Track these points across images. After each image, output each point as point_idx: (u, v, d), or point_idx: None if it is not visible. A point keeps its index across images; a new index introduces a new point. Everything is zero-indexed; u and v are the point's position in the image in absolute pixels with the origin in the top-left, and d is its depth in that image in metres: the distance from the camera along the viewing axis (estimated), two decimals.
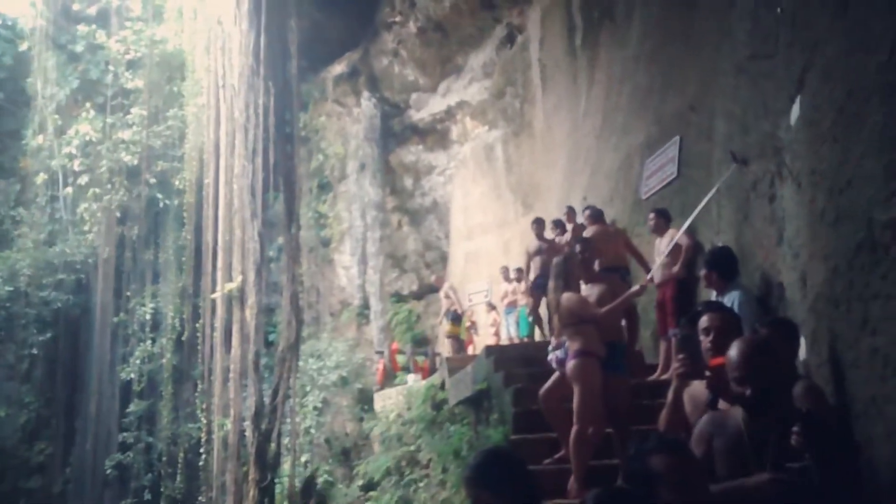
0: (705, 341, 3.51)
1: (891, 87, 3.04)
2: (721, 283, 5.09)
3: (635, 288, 6.02)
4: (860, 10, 3.43)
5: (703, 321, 3.55)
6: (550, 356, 6.24)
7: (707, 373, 3.38)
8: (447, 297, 15.84)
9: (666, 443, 2.57)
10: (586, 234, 8.72)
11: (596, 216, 9.02)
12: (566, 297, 6.02)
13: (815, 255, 3.78)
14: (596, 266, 8.13)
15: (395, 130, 20.65)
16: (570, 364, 5.80)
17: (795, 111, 4.23)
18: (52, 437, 21.46)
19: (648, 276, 6.48)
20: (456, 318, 15.47)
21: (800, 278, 4.07)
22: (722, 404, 3.27)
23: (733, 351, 2.90)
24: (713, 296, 5.11)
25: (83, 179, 21.10)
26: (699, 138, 7.96)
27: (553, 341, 6.32)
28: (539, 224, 11.03)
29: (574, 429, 5.61)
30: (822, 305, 3.64)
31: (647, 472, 2.47)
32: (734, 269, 5.17)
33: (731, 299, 4.83)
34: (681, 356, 3.49)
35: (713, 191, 6.37)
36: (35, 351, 21.26)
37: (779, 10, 4.74)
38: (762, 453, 2.82)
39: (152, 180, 21.41)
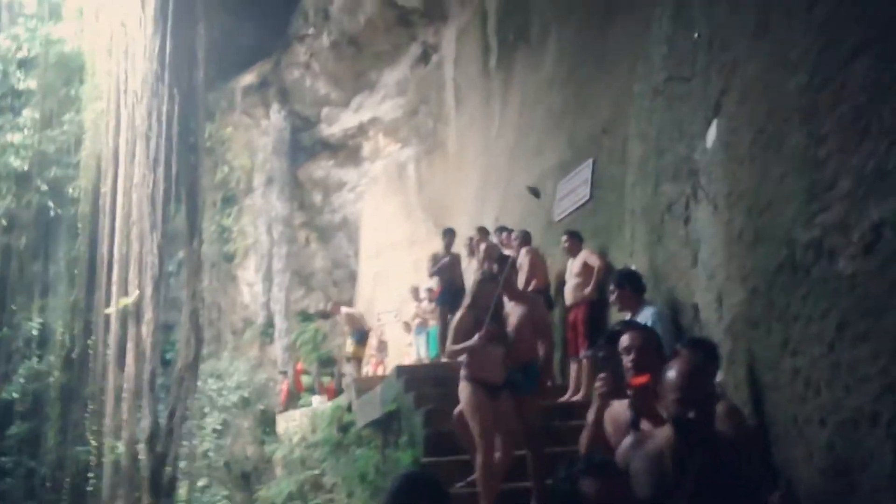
0: (626, 360, 3.44)
1: (811, 108, 3.06)
2: (633, 301, 5.10)
3: (473, 340, 5.59)
4: (780, 32, 3.46)
5: (624, 340, 3.48)
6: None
7: (629, 392, 3.30)
8: (348, 323, 15.49)
9: (596, 465, 2.48)
10: (520, 256, 8.70)
11: (526, 238, 9.02)
12: (457, 317, 5.96)
13: (731, 276, 3.78)
14: (531, 285, 8.16)
15: (304, 144, 20.27)
16: (459, 386, 5.75)
17: (712, 133, 4.25)
18: None
19: (484, 328, 5.65)
20: (361, 339, 15.10)
21: (716, 299, 4.07)
22: (644, 424, 3.20)
23: (673, 372, 2.78)
24: (628, 316, 5.10)
25: None
26: (612, 161, 8.05)
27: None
28: (450, 235, 10.96)
29: (479, 458, 5.47)
30: (740, 326, 3.63)
31: (576, 495, 2.39)
32: (642, 286, 5.21)
33: (645, 317, 4.82)
34: (602, 375, 3.40)
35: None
36: None
37: (696, 35, 4.79)
38: (685, 476, 2.73)
39: (44, 187, 20.18)
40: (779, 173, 3.26)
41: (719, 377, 3.80)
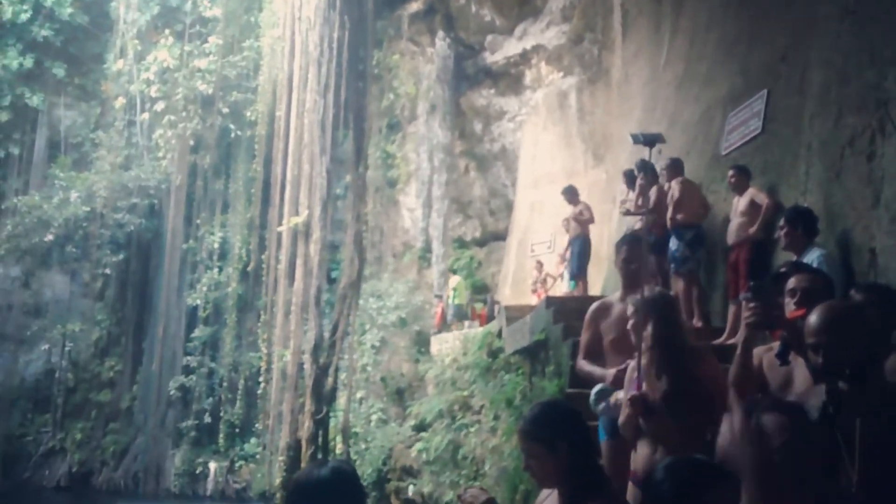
0: (790, 303, 3.24)
1: None
2: (802, 242, 4.77)
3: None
4: None
5: (791, 281, 3.26)
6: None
7: (784, 328, 3.11)
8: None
9: (781, 402, 2.34)
10: (671, 186, 8.35)
11: (676, 167, 8.63)
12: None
13: None
14: (679, 219, 7.74)
15: (467, 73, 20.24)
16: None
17: None
18: (121, 355, 22.41)
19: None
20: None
21: None
22: (799, 376, 3.02)
23: (814, 315, 2.58)
24: (793, 258, 4.79)
25: (160, 106, 21.46)
26: (788, 91, 7.45)
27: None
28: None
29: None
30: None
31: (759, 431, 2.23)
32: (816, 228, 4.85)
33: (812, 259, 4.51)
34: (752, 304, 3.19)
35: None
36: (108, 271, 22.06)
37: None
38: (847, 436, 2.47)
39: (225, 110, 21.64)
40: None
41: None
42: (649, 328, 3.54)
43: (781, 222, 5.03)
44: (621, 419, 3.63)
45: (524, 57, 19.02)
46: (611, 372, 4.21)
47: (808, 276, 3.30)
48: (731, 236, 7.47)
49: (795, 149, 6.43)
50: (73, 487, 21.11)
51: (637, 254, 4.41)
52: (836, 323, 2.52)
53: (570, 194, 11.77)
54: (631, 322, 3.70)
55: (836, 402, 2.49)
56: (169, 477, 20.98)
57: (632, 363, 3.72)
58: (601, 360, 4.36)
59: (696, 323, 7.62)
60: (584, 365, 4.48)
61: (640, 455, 3.51)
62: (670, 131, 11.44)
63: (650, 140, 4.14)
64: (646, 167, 9.49)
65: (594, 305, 4.61)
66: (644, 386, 3.52)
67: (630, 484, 3.55)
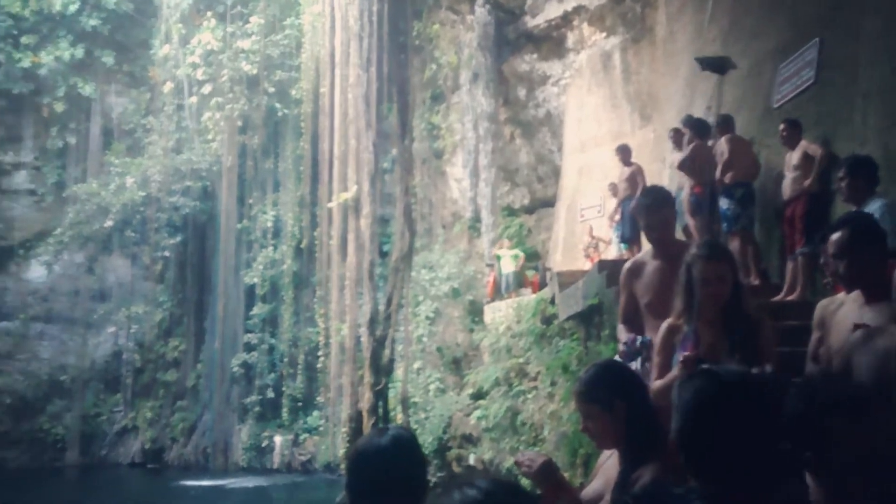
0: (839, 266, 3.01)
1: None
2: (862, 193, 4.65)
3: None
4: None
5: (831, 244, 3.03)
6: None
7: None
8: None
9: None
10: (720, 144, 8.18)
11: (726, 123, 8.44)
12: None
13: None
14: (728, 177, 7.57)
15: (509, 38, 19.99)
16: None
17: None
18: (184, 335, 23.09)
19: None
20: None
21: None
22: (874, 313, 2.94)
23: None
24: (853, 209, 4.69)
25: (206, 89, 21.78)
26: (843, 39, 7.22)
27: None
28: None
29: None
30: None
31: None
32: (877, 177, 4.73)
33: (873, 209, 4.39)
34: None
35: None
36: (167, 253, 22.68)
37: None
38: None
39: (271, 89, 21.86)
40: None
41: None
42: (728, 278, 3.15)
43: (842, 173, 4.88)
44: (663, 381, 3.19)
45: (565, 19, 18.68)
46: (620, 343, 3.86)
47: (839, 243, 3.00)
48: (786, 191, 7.31)
49: (851, 97, 6.25)
50: (147, 464, 21.98)
51: (658, 214, 3.92)
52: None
53: (624, 153, 11.66)
54: (714, 286, 3.16)
55: None
56: (237, 451, 21.64)
57: (662, 328, 3.35)
58: (639, 325, 3.95)
59: (754, 281, 7.52)
60: (621, 332, 4.06)
61: None
62: (717, 87, 11.20)
63: (718, 64, 3.81)
64: (692, 123, 9.37)
65: (626, 265, 4.15)
66: (690, 348, 3.13)
67: None
